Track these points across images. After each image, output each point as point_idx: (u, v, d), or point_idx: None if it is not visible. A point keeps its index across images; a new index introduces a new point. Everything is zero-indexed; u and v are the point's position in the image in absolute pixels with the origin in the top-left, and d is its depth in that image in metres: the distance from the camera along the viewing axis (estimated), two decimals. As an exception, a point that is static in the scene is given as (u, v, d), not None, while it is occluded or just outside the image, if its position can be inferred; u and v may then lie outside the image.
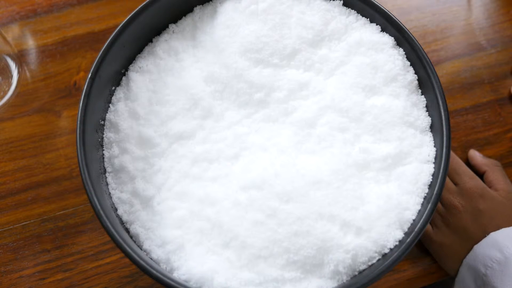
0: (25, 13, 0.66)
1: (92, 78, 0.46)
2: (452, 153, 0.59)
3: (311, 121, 0.47)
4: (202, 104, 0.48)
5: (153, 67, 0.50)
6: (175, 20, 0.52)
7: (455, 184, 0.58)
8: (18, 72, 0.63)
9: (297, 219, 0.43)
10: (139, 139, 0.47)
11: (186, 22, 0.52)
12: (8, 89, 0.62)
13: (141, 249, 0.44)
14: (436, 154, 0.45)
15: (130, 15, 0.48)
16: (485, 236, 0.53)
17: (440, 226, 0.56)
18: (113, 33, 0.47)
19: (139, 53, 0.51)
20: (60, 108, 0.62)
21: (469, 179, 0.57)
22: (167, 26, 0.52)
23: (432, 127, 0.46)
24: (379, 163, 0.45)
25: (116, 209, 0.45)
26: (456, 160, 0.59)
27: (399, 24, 0.48)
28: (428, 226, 0.57)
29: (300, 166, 0.45)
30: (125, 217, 0.45)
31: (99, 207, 0.42)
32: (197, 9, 0.52)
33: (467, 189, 0.56)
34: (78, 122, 0.44)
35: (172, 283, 0.40)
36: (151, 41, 0.51)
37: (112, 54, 0.47)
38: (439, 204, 0.57)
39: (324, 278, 0.42)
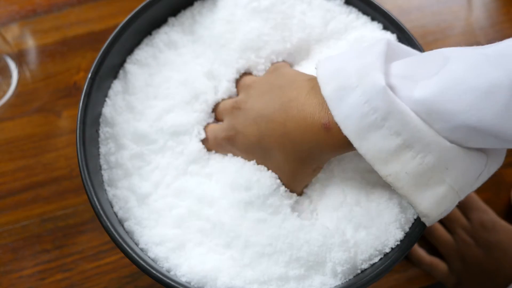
0: (25, 13, 0.66)
1: (92, 78, 0.45)
2: None
3: None
4: (202, 101, 0.48)
5: (152, 60, 0.50)
6: (174, 13, 0.52)
7: (468, 219, 0.58)
8: (18, 72, 0.63)
9: (302, 213, 0.44)
10: (136, 135, 0.47)
11: (186, 15, 0.52)
12: (8, 89, 0.62)
13: (138, 247, 0.43)
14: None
15: (129, 16, 0.48)
16: (497, 267, 0.54)
17: (455, 264, 0.56)
18: (113, 34, 0.47)
19: (137, 45, 0.51)
20: (60, 108, 0.62)
21: (482, 213, 0.57)
22: (166, 19, 0.52)
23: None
24: None
25: (112, 206, 0.45)
26: (469, 194, 0.59)
27: (399, 24, 0.48)
28: (444, 266, 0.57)
29: None
30: (120, 214, 0.45)
31: (99, 207, 0.42)
32: (196, 2, 0.52)
33: (479, 223, 0.56)
34: (78, 122, 0.44)
35: (173, 283, 0.40)
36: (150, 34, 0.51)
37: (112, 53, 0.47)
38: (452, 240, 0.57)
39: (326, 276, 0.42)
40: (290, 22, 0.49)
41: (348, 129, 0.37)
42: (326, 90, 0.38)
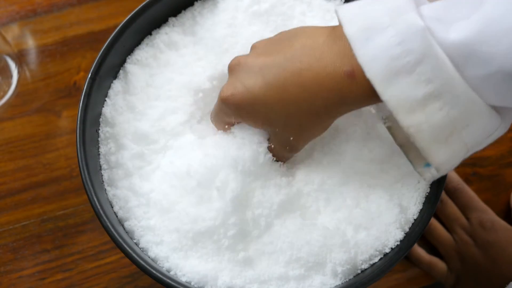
0: (25, 13, 0.66)
1: (92, 78, 0.45)
2: (465, 187, 0.59)
3: None
4: (205, 101, 0.48)
5: (153, 61, 0.50)
6: (174, 13, 0.52)
7: (467, 219, 0.58)
8: (18, 72, 0.63)
9: (302, 213, 0.44)
10: (137, 134, 0.47)
11: (186, 16, 0.52)
12: (8, 89, 0.62)
13: (138, 247, 0.44)
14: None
15: (129, 16, 0.48)
16: (494, 267, 0.54)
17: (454, 264, 0.56)
18: (113, 34, 0.47)
19: (137, 45, 0.50)
20: (60, 108, 0.62)
21: (481, 213, 0.57)
22: (166, 19, 0.51)
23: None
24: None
25: (112, 206, 0.45)
26: (468, 194, 0.59)
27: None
28: (443, 265, 0.57)
29: (307, 164, 0.45)
30: (120, 214, 0.45)
31: (99, 207, 0.42)
32: (197, 3, 0.52)
33: (478, 223, 0.56)
34: (78, 122, 0.44)
35: (173, 283, 0.40)
36: (150, 34, 0.51)
37: (112, 53, 0.47)
38: (451, 240, 0.57)
39: (326, 276, 0.42)
40: (291, 23, 0.49)
41: (373, 72, 0.34)
42: (351, 29, 0.35)
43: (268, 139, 0.43)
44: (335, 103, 0.37)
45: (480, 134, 0.35)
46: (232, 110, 0.41)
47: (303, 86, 0.37)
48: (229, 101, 0.40)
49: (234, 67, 0.41)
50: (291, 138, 0.40)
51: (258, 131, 0.43)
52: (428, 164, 0.41)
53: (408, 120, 0.34)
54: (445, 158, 0.36)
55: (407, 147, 0.42)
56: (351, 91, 0.36)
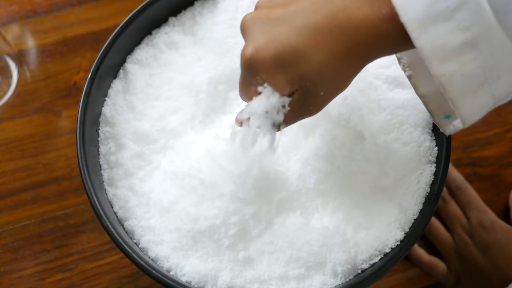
0: (25, 13, 0.65)
1: (92, 78, 0.46)
2: (467, 186, 0.59)
3: (320, 116, 0.46)
4: (205, 102, 0.48)
5: (153, 61, 0.50)
6: (174, 13, 0.52)
7: (467, 218, 0.58)
8: (18, 72, 0.63)
9: (302, 212, 0.43)
10: (137, 134, 0.47)
11: (186, 16, 0.51)
12: (8, 89, 0.62)
13: (138, 246, 0.44)
14: (438, 154, 0.45)
15: (129, 16, 0.48)
16: (494, 267, 0.54)
17: (454, 264, 0.56)
18: (113, 34, 0.47)
19: (137, 45, 0.50)
20: (60, 108, 0.62)
21: (481, 213, 0.57)
22: (167, 19, 0.51)
23: (434, 126, 0.46)
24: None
25: (112, 206, 0.45)
26: (470, 194, 0.59)
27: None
28: (443, 266, 0.57)
29: (306, 163, 0.45)
30: (120, 214, 0.45)
31: (99, 207, 0.42)
32: (197, 3, 0.52)
33: (478, 222, 0.56)
34: (78, 122, 0.44)
35: (173, 283, 0.40)
36: (150, 33, 0.51)
37: (112, 53, 0.47)
38: (451, 240, 0.57)
39: (327, 276, 0.42)
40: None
41: (409, 16, 0.31)
42: None
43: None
44: (372, 47, 0.35)
45: (509, 87, 0.34)
46: (258, 68, 0.36)
47: (339, 29, 0.34)
48: (254, 58, 0.35)
49: (247, 23, 0.37)
50: (321, 93, 0.37)
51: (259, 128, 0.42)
52: (447, 116, 0.40)
53: (440, 69, 0.32)
54: (473, 110, 0.34)
55: (428, 97, 0.40)
56: (388, 35, 0.33)
